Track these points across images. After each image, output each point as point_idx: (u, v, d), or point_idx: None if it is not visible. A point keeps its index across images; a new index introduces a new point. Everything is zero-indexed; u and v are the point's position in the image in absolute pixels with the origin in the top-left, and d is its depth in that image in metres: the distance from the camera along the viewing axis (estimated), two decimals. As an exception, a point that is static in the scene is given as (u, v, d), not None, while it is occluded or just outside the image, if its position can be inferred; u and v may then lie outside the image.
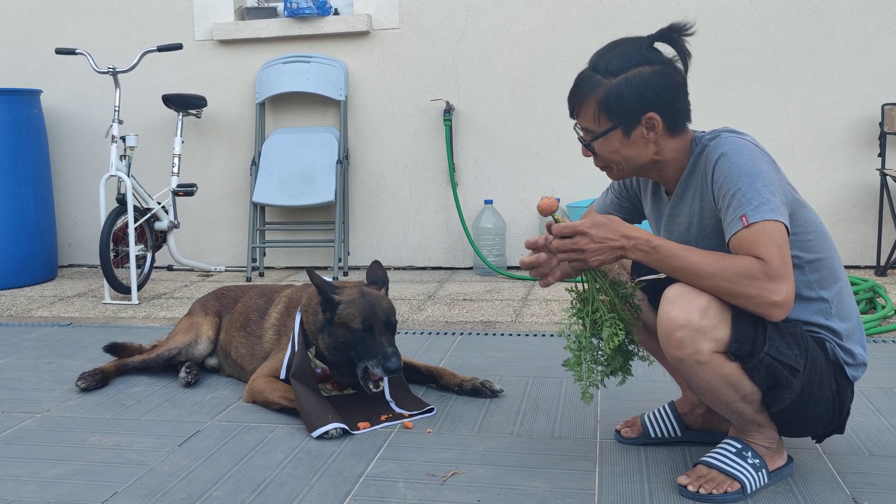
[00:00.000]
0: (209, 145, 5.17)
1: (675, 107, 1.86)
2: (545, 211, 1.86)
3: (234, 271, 5.09)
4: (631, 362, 1.94)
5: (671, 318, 1.73)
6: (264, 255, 5.02)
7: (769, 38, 4.47)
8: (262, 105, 5.02)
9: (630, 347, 1.94)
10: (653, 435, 2.17)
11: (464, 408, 2.53)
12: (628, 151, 1.89)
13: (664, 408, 2.18)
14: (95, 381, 2.81)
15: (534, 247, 1.92)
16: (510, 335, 3.40)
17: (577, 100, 1.91)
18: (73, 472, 2.14)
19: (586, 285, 1.90)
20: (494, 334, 3.43)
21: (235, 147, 5.14)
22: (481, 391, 2.62)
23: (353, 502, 1.91)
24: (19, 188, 4.77)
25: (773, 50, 4.47)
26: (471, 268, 4.94)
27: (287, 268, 5.16)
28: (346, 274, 4.85)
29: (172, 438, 2.35)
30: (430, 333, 3.47)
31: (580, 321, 1.91)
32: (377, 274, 2.69)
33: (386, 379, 2.59)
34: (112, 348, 3.03)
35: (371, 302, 2.50)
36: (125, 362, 2.95)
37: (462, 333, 3.46)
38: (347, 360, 2.51)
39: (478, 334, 3.44)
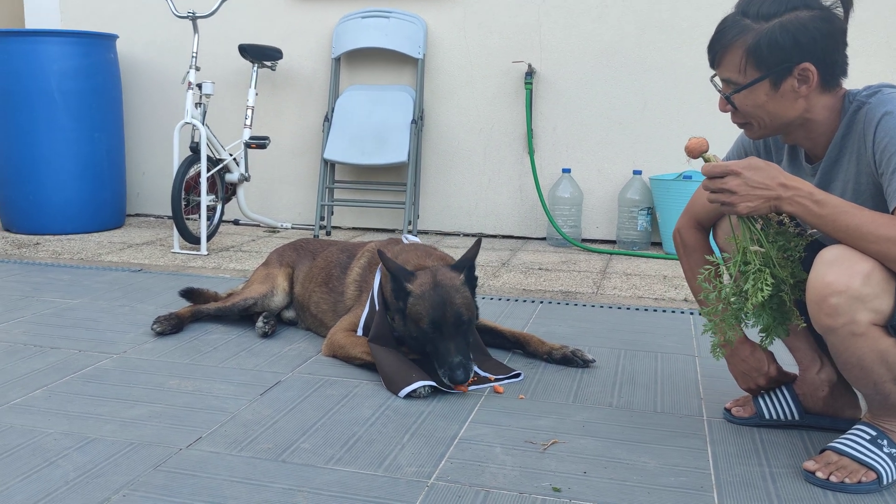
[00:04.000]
0: (282, 99, 5.08)
1: (832, 58, 1.68)
2: (694, 152, 1.70)
3: (300, 229, 5.01)
4: (786, 324, 1.76)
5: (828, 282, 1.56)
6: (332, 213, 4.93)
7: (879, 10, 4.20)
8: (337, 60, 4.90)
9: (787, 307, 1.75)
10: (767, 416, 2.01)
11: (554, 376, 2.40)
12: (774, 106, 1.71)
13: (781, 388, 2.02)
14: (171, 326, 2.75)
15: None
16: (592, 306, 3.25)
17: (720, 46, 1.74)
18: (153, 414, 2.06)
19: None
20: (576, 304, 3.28)
21: (308, 102, 5.04)
22: (572, 360, 2.48)
23: (448, 464, 1.80)
24: (93, 133, 4.74)
25: (883, 22, 4.20)
26: (543, 238, 4.78)
27: (354, 228, 5.06)
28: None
29: (253, 387, 2.26)
30: (508, 300, 3.34)
31: (729, 271, 1.73)
32: (467, 255, 2.42)
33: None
34: (188, 293, 2.96)
35: (441, 299, 2.28)
36: (200, 309, 2.88)
37: (542, 302, 3.32)
38: (425, 353, 2.36)
39: (558, 304, 3.30)
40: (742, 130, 1.87)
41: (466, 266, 2.40)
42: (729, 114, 1.82)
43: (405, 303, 2.34)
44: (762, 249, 1.66)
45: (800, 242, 1.70)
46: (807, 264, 1.70)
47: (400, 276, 2.35)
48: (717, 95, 1.81)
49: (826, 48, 1.67)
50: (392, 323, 2.45)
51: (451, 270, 2.39)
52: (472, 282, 2.42)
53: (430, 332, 2.28)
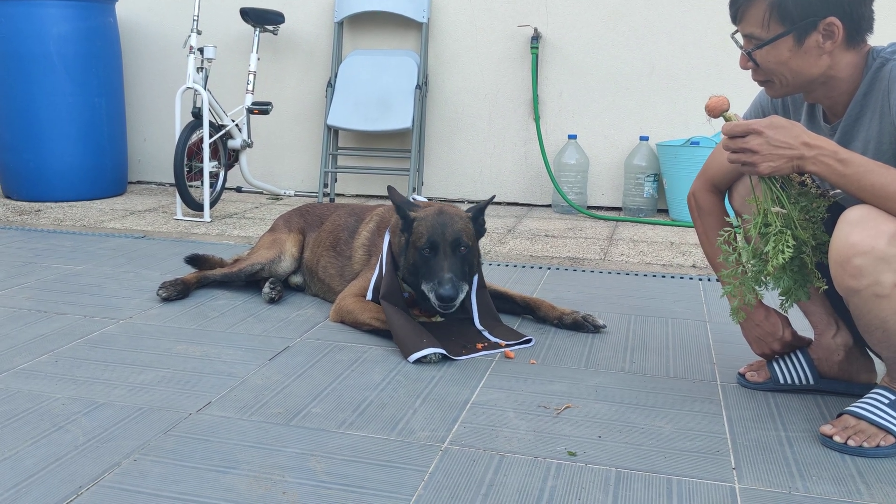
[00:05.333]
0: (284, 64, 5.01)
1: (859, 12, 1.63)
2: (714, 111, 1.66)
3: (303, 196, 4.97)
4: (806, 287, 1.72)
5: (851, 242, 1.53)
6: (335, 180, 4.88)
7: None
8: (340, 24, 4.82)
9: (806, 269, 1.71)
10: (782, 381, 1.99)
11: (566, 341, 2.38)
12: (797, 63, 1.67)
13: (796, 353, 2.00)
14: (177, 292, 2.72)
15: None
16: (600, 272, 3.23)
17: (742, 0, 1.69)
18: (162, 379, 2.04)
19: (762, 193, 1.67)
20: (584, 271, 3.25)
21: (311, 67, 4.97)
22: (583, 325, 2.46)
23: (462, 429, 1.78)
24: (92, 98, 4.67)
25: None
26: (548, 205, 4.74)
27: (358, 195, 5.02)
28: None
29: (262, 353, 2.24)
30: (515, 266, 3.31)
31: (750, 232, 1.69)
32: (478, 204, 2.48)
33: (475, 307, 2.45)
34: (193, 259, 2.93)
35: (443, 221, 2.34)
36: (206, 275, 2.85)
37: (550, 268, 3.29)
38: (420, 287, 2.37)
39: (566, 270, 3.27)
40: (761, 89, 1.83)
41: (475, 209, 2.45)
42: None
43: (409, 232, 2.37)
44: (783, 210, 1.63)
45: (822, 203, 1.66)
46: (827, 226, 1.67)
47: (405, 207, 2.40)
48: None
49: (853, 2, 1.62)
50: (402, 283, 2.44)
51: (458, 208, 2.46)
52: (478, 225, 2.44)
53: (427, 252, 2.30)
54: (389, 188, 2.47)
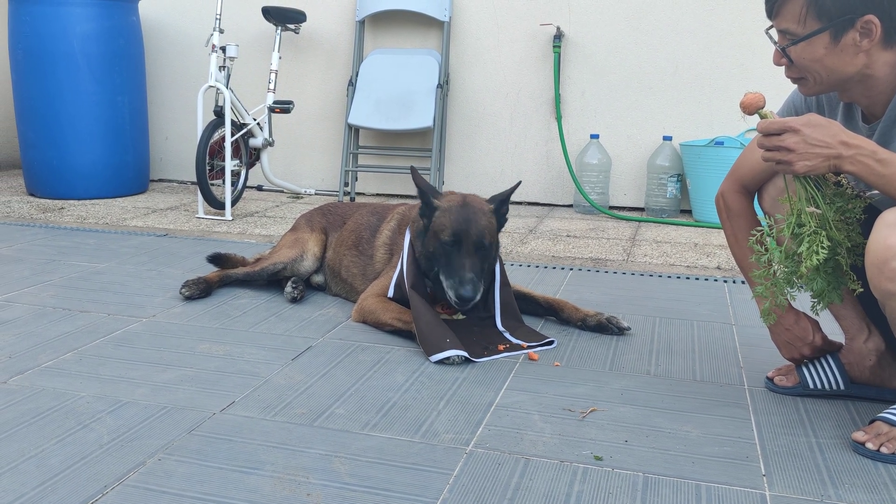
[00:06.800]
0: (305, 63, 5.01)
1: None
2: (750, 108, 1.63)
3: (324, 195, 4.97)
4: (840, 289, 1.69)
5: (889, 244, 1.50)
6: (356, 179, 4.87)
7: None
8: (361, 23, 4.82)
9: (840, 271, 1.68)
10: (811, 386, 1.95)
11: (589, 343, 2.35)
12: (833, 61, 1.64)
13: (826, 357, 1.96)
14: (199, 290, 2.72)
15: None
16: (623, 274, 3.20)
17: None
18: (185, 378, 2.04)
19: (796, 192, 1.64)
20: (606, 272, 3.23)
21: (332, 66, 4.97)
22: (607, 327, 2.43)
23: (486, 431, 1.76)
24: (115, 97, 4.69)
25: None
26: (570, 205, 4.72)
27: (378, 194, 5.01)
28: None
29: (284, 352, 2.24)
30: (538, 267, 3.29)
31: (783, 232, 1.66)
32: (501, 193, 2.48)
33: (498, 306, 2.44)
34: (215, 258, 2.93)
35: (467, 215, 2.33)
36: (228, 273, 2.85)
37: (572, 269, 3.26)
38: (436, 276, 2.37)
39: (588, 271, 3.24)
40: (794, 88, 1.80)
41: (498, 200, 2.44)
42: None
43: (430, 219, 2.38)
44: (818, 211, 1.60)
45: (858, 204, 1.63)
46: (863, 228, 1.64)
47: (428, 193, 2.41)
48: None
49: (892, 0, 1.59)
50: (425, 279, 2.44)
51: (482, 199, 2.45)
52: (499, 216, 2.44)
53: (449, 245, 2.30)
54: (413, 169, 2.48)
